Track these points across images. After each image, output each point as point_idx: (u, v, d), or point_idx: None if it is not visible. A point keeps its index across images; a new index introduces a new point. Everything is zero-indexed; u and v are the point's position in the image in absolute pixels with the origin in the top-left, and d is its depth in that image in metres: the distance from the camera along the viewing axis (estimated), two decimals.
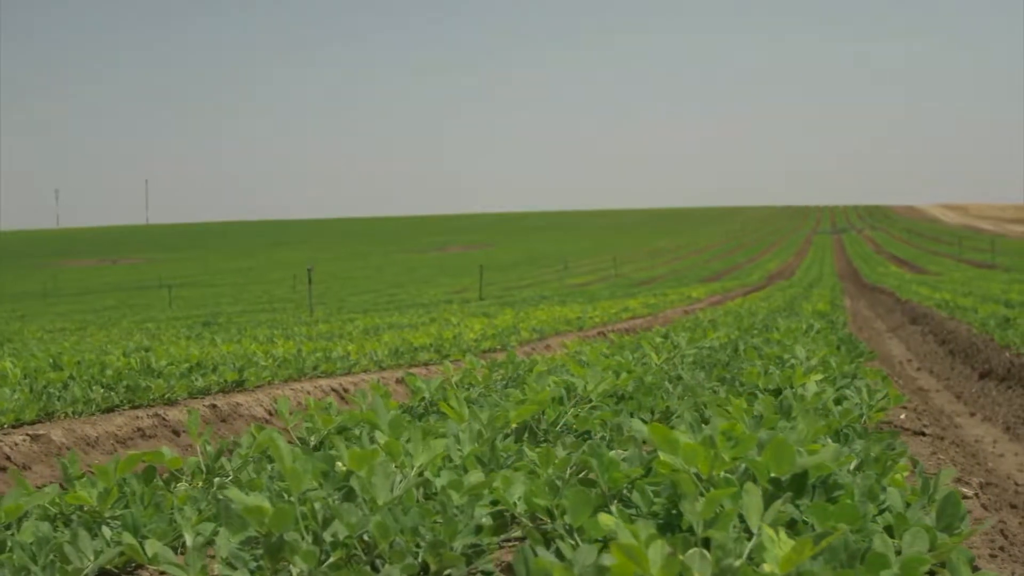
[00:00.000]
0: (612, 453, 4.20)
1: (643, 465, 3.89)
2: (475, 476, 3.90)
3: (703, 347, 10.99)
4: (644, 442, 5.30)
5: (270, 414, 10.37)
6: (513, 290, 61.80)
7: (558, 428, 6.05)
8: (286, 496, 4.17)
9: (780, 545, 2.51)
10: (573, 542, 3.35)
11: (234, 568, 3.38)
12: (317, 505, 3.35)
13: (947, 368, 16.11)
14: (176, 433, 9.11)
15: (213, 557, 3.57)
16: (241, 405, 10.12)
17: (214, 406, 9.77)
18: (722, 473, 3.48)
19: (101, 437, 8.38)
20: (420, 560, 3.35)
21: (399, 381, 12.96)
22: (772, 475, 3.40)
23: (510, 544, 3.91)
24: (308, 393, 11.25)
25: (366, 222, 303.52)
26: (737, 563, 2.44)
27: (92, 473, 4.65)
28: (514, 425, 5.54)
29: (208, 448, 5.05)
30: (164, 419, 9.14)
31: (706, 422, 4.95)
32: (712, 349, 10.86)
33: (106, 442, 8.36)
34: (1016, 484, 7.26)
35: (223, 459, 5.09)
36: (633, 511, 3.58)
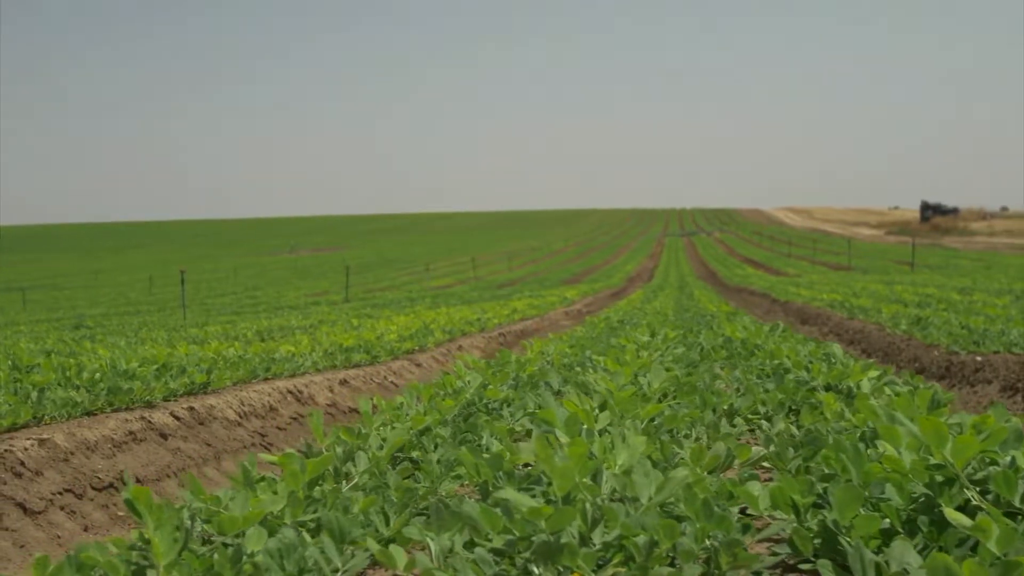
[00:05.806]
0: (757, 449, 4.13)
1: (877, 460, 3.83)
2: (680, 473, 3.79)
3: (672, 347, 11.02)
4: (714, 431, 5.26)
5: (240, 416, 10.06)
6: (375, 292, 61.37)
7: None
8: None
9: None
10: (850, 539, 3.26)
11: (484, 573, 3.23)
12: (588, 506, 3.21)
13: None
14: (164, 436, 8.76)
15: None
16: (215, 407, 9.79)
17: (192, 408, 9.45)
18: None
19: (99, 441, 8.01)
20: (711, 560, 3.23)
21: (342, 383, 12.80)
22: None
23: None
24: (268, 395, 10.97)
25: (211, 224, 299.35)
26: None
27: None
28: (641, 423, 5.44)
29: (338, 450, 4.84)
30: (150, 422, 8.80)
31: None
32: (683, 348, 10.89)
33: (104, 446, 8.00)
34: None
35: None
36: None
